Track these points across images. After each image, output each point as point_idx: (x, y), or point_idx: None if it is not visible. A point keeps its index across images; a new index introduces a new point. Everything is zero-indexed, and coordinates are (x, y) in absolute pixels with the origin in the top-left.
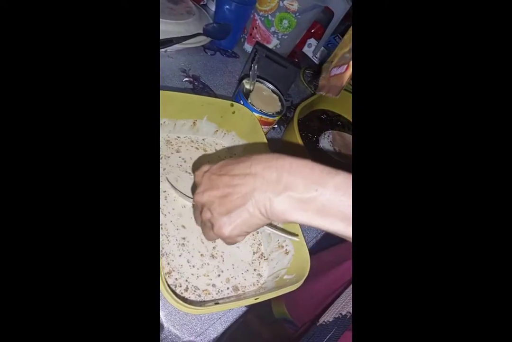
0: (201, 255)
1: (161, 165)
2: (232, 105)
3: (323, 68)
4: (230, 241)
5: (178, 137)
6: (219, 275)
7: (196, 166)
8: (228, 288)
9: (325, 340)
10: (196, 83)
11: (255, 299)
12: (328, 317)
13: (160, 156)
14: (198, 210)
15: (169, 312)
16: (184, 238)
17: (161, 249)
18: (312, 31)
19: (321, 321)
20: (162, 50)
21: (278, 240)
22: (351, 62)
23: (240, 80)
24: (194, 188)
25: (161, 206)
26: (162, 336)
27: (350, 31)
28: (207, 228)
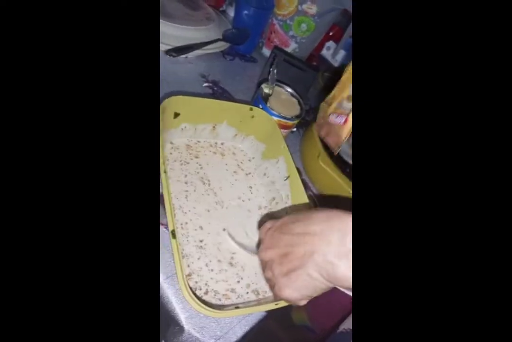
0: (219, 261)
1: (181, 171)
2: (251, 109)
3: (321, 107)
4: (292, 303)
5: (198, 141)
6: (238, 281)
7: (261, 223)
8: (247, 293)
9: None
10: (215, 88)
11: (276, 304)
12: (348, 324)
13: (180, 162)
14: (263, 267)
15: (190, 315)
16: (201, 241)
17: (181, 250)
18: (331, 34)
19: (341, 328)
20: (182, 56)
21: None
22: (350, 116)
23: (259, 84)
24: (259, 243)
25: (181, 204)
26: (182, 338)
27: (348, 71)
28: (270, 286)
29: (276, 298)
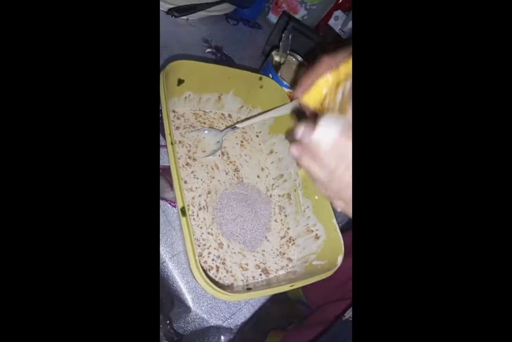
0: (228, 237)
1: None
2: (260, 78)
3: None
4: None
5: (205, 112)
6: (247, 260)
7: None
8: (256, 271)
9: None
10: (218, 55)
11: (290, 286)
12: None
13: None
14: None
15: (196, 296)
16: (212, 219)
17: (193, 231)
18: (339, 2)
19: (347, 316)
20: (183, 18)
21: (307, 224)
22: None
23: (269, 52)
24: None
25: (188, 181)
26: (189, 319)
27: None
28: None
29: None
